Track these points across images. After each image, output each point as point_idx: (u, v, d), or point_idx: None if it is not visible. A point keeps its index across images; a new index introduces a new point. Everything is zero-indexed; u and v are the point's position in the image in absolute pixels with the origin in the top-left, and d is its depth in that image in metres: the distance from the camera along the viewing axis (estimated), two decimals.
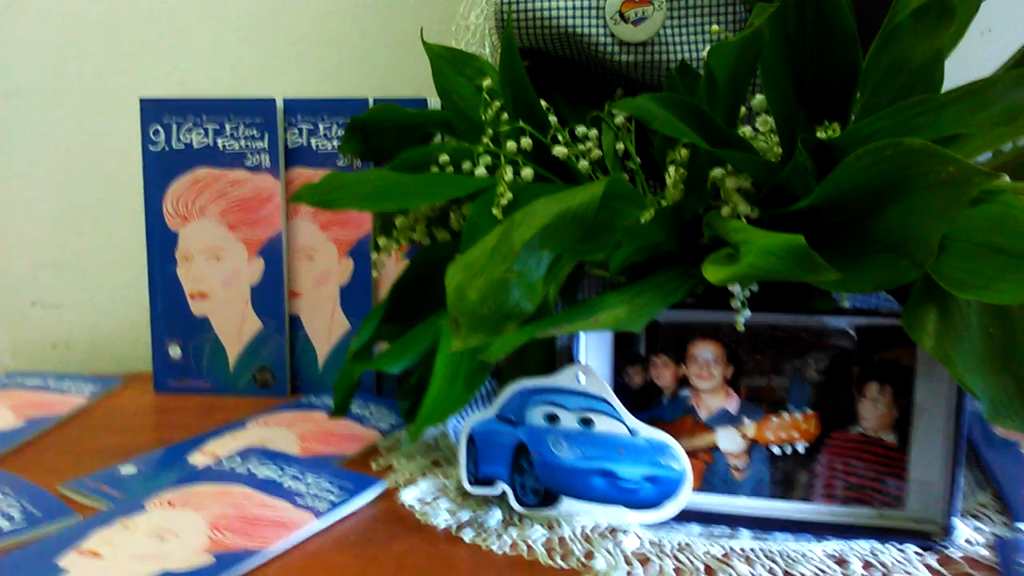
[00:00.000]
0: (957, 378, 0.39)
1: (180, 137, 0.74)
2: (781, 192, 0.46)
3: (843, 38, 0.48)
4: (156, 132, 0.74)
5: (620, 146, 0.62)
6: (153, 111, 0.74)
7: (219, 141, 0.74)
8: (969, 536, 0.50)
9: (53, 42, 0.84)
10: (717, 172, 0.49)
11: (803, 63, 0.50)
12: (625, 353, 0.54)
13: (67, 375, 0.80)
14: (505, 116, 0.61)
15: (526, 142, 0.57)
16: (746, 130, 0.53)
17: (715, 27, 0.58)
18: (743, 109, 0.53)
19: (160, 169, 0.74)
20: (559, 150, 0.57)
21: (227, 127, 0.73)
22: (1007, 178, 0.37)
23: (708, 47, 0.61)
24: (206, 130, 0.74)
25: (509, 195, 0.55)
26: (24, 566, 0.45)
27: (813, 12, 0.48)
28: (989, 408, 0.40)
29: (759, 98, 0.53)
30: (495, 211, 0.55)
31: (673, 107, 0.45)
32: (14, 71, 0.84)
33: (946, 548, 0.48)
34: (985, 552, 0.48)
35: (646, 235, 0.48)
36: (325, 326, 0.76)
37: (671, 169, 0.51)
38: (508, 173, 0.56)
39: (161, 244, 0.75)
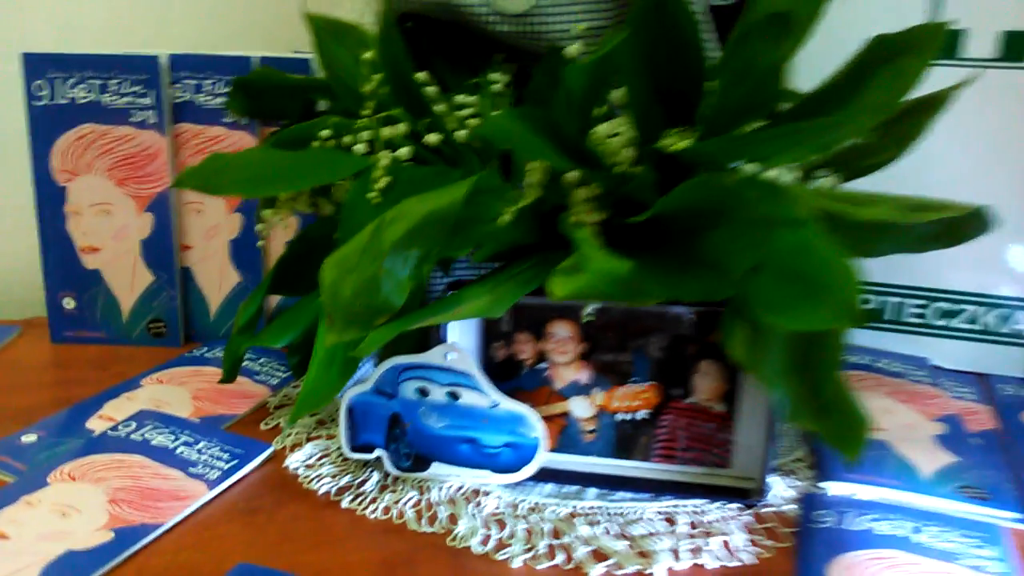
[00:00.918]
0: (762, 383, 0.46)
1: (64, 93, 0.74)
2: (628, 200, 0.51)
3: (689, 49, 0.52)
4: (40, 87, 0.74)
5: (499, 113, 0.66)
6: (37, 66, 0.74)
7: (104, 97, 0.74)
8: (781, 493, 0.58)
9: None
10: (570, 176, 0.53)
11: (660, 65, 0.54)
12: (491, 330, 0.60)
13: None
14: (383, 90, 0.63)
15: (403, 128, 0.60)
16: (603, 127, 0.57)
17: (580, 25, 0.61)
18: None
19: (45, 124, 0.75)
20: (431, 137, 0.60)
21: (111, 83, 0.74)
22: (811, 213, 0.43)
23: (581, 22, 0.65)
24: (90, 86, 0.74)
25: (386, 179, 0.59)
26: None
27: (663, 25, 0.52)
28: (789, 410, 0.46)
29: (619, 92, 0.57)
30: (372, 195, 0.58)
31: (530, 122, 0.49)
32: None
33: (760, 505, 0.56)
34: (793, 507, 0.57)
35: (505, 236, 0.53)
36: (216, 278, 0.79)
37: (529, 170, 0.55)
38: (385, 158, 0.59)
39: (49, 199, 0.76)
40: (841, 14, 0.70)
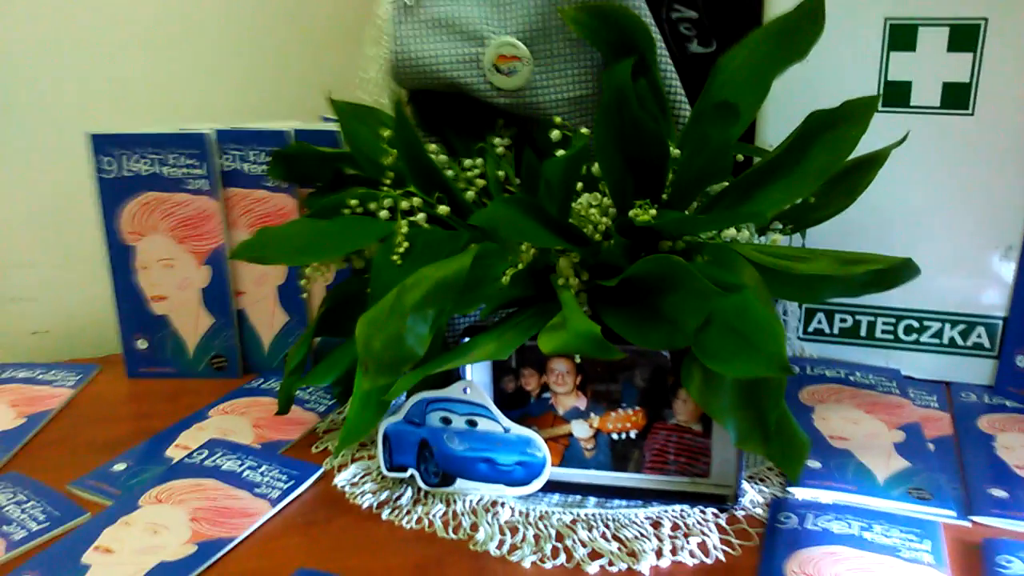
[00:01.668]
0: (713, 417, 0.57)
1: (128, 166, 0.86)
2: (605, 264, 0.62)
3: (650, 135, 0.62)
4: (107, 162, 0.86)
5: (501, 173, 0.76)
6: (102, 144, 0.85)
7: (163, 169, 0.86)
8: (753, 498, 0.68)
9: (9, 79, 0.95)
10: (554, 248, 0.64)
11: (627, 146, 0.64)
12: (501, 367, 0.71)
13: (52, 365, 0.94)
14: (399, 163, 0.74)
15: (417, 201, 0.71)
16: (584, 199, 0.67)
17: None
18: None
19: (112, 193, 0.87)
20: (441, 208, 0.71)
21: (169, 157, 0.86)
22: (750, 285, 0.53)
23: (568, 94, 0.76)
24: (151, 160, 0.86)
25: (405, 244, 0.69)
26: (57, 563, 0.61)
27: (624, 117, 0.62)
28: (736, 437, 0.57)
29: (596, 167, 0.67)
30: (395, 257, 0.69)
31: (520, 208, 0.59)
32: None
33: (734, 509, 0.67)
34: (761, 511, 0.67)
35: (506, 294, 0.64)
36: (267, 318, 0.91)
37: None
38: (404, 226, 0.70)
39: (120, 256, 0.88)
40: (804, 72, 0.81)
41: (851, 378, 0.86)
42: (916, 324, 0.87)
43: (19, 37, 0.95)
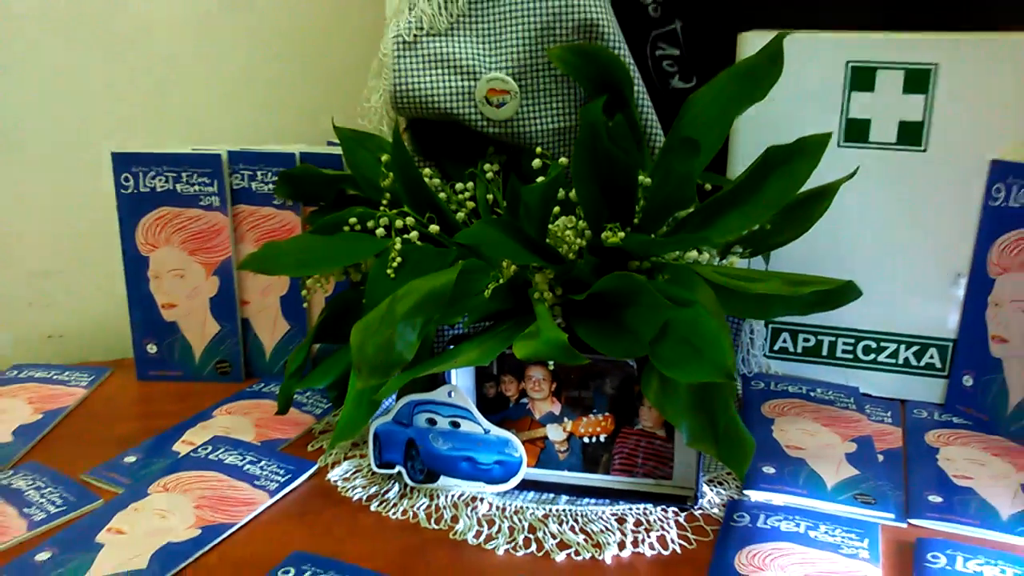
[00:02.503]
0: (669, 419, 0.63)
1: (146, 183, 0.93)
2: (577, 280, 0.68)
3: (619, 166, 0.69)
4: (127, 178, 0.93)
5: (490, 196, 0.83)
6: (122, 161, 0.92)
7: (178, 186, 0.93)
8: (712, 499, 0.74)
9: (37, 97, 1.02)
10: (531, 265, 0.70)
11: (600, 174, 0.71)
12: (484, 373, 0.77)
13: (67, 366, 1.00)
14: (396, 185, 0.80)
15: (410, 220, 0.78)
16: (560, 221, 0.74)
17: (535, 161, 0.78)
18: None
19: (131, 207, 0.93)
20: (432, 227, 0.77)
21: (183, 175, 0.92)
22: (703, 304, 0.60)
23: (552, 125, 0.83)
24: (167, 177, 0.93)
25: (399, 259, 0.76)
26: (73, 542, 0.67)
27: (598, 150, 0.69)
28: (689, 437, 0.63)
29: (573, 193, 0.74)
30: (389, 271, 0.76)
31: (501, 228, 0.66)
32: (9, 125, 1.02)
33: (694, 508, 0.73)
34: (718, 511, 0.73)
35: (488, 306, 0.70)
36: (270, 327, 0.97)
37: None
38: (398, 243, 0.76)
39: (135, 266, 0.95)
40: (773, 109, 0.87)
41: (812, 394, 0.92)
42: (874, 345, 0.93)
43: (47, 61, 1.03)
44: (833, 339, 0.94)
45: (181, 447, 0.82)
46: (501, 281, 0.70)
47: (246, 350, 0.98)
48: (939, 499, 0.74)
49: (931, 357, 0.91)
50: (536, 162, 0.76)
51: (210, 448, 0.81)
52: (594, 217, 0.72)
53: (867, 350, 0.93)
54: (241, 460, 0.79)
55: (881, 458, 0.80)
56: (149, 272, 0.95)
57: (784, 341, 0.96)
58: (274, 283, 0.96)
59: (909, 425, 0.87)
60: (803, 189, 0.73)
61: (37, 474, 0.77)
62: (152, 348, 0.97)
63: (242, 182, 0.94)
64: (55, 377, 0.97)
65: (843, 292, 0.68)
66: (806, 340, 0.95)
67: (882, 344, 0.93)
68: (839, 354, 0.94)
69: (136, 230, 0.94)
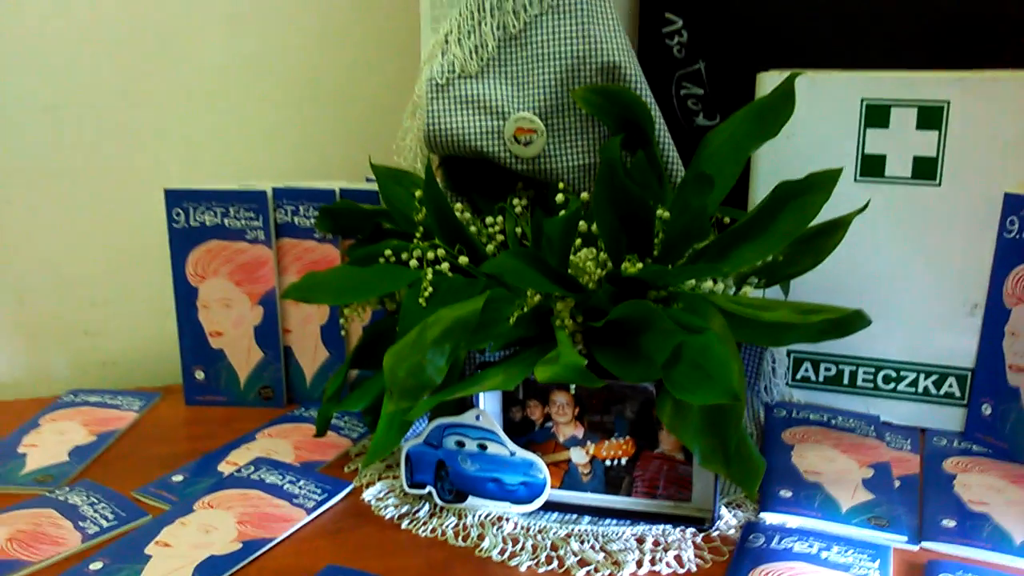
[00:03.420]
0: (682, 441, 0.66)
1: (196, 217, 0.99)
2: (596, 309, 0.72)
3: (636, 200, 0.73)
4: (178, 213, 0.99)
5: (519, 229, 0.87)
6: (174, 198, 0.98)
7: (226, 221, 0.99)
8: (729, 521, 0.77)
9: (95, 137, 1.09)
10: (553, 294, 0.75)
11: (619, 208, 0.75)
12: (510, 398, 0.81)
13: (119, 391, 1.06)
14: (428, 219, 0.85)
15: (441, 252, 0.82)
16: (582, 253, 0.78)
17: (559, 196, 0.82)
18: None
19: (182, 241, 0.99)
20: (462, 259, 0.82)
21: (231, 210, 0.98)
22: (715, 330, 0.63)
23: (579, 159, 0.87)
24: (216, 212, 0.98)
25: (430, 289, 0.80)
26: (124, 553, 0.72)
27: (616, 184, 0.73)
28: (701, 458, 0.66)
29: (594, 225, 0.78)
30: (421, 301, 0.80)
31: (524, 259, 0.70)
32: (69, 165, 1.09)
33: (711, 530, 0.75)
34: (734, 532, 0.76)
35: (513, 333, 0.74)
36: (311, 354, 1.02)
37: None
38: (429, 274, 0.81)
39: (185, 296, 1.01)
40: (792, 145, 0.91)
41: (832, 422, 0.94)
42: (894, 374, 0.95)
43: (108, 104, 1.10)
44: (854, 368, 0.97)
45: (225, 467, 0.87)
46: (525, 310, 0.74)
47: (288, 376, 1.03)
48: (952, 523, 0.75)
49: (950, 386, 0.93)
50: (559, 197, 0.81)
51: (252, 468, 0.85)
52: (614, 248, 0.76)
53: (887, 379, 0.95)
54: (281, 480, 0.83)
55: (898, 484, 0.82)
56: (198, 302, 1.01)
57: (806, 370, 0.98)
58: (314, 313, 1.01)
59: (928, 452, 0.89)
60: (818, 222, 0.76)
61: (91, 491, 0.82)
62: (200, 374, 1.03)
63: (286, 217, 0.99)
64: (108, 401, 1.03)
65: (852, 320, 0.71)
66: (827, 369, 0.98)
67: (902, 373, 0.95)
68: (860, 383, 0.97)
69: (186, 262, 1.00)
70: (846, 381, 0.97)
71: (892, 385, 0.95)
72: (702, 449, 0.66)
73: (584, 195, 0.80)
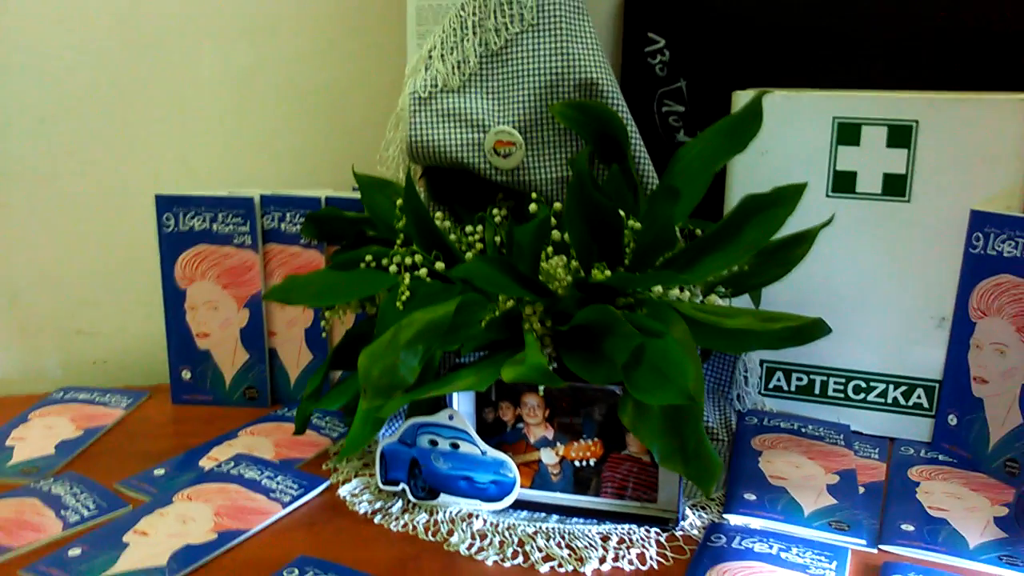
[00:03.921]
0: (642, 441, 0.68)
1: (185, 222, 1.01)
2: (563, 313, 0.75)
3: (604, 211, 0.75)
4: (168, 218, 1.01)
5: (498, 238, 0.90)
6: (165, 203, 1.01)
7: (214, 226, 1.01)
8: (694, 522, 0.79)
9: (90, 143, 1.12)
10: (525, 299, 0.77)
11: (590, 218, 0.77)
12: (483, 399, 0.83)
13: (108, 389, 1.08)
14: (409, 227, 0.88)
15: (419, 258, 0.85)
16: (552, 261, 0.80)
17: (532, 206, 0.85)
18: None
19: (171, 244, 1.02)
20: (438, 264, 0.84)
21: (220, 216, 1.01)
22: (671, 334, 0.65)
23: (554, 175, 0.89)
24: (205, 217, 1.01)
25: (407, 293, 0.83)
26: (102, 541, 0.74)
27: (585, 195, 0.76)
28: (660, 457, 0.68)
29: (566, 235, 0.81)
30: (398, 304, 0.83)
31: (494, 264, 0.73)
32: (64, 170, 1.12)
33: (675, 530, 0.78)
34: (698, 532, 0.78)
35: (484, 336, 0.76)
36: (295, 356, 1.05)
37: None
38: (407, 279, 0.83)
39: (173, 298, 1.03)
40: (766, 161, 0.94)
41: (803, 430, 0.96)
42: (864, 384, 0.97)
43: (99, 111, 1.13)
44: (825, 378, 0.99)
45: (206, 462, 0.89)
46: (497, 314, 0.77)
47: (272, 378, 1.06)
48: (911, 527, 0.77)
49: (919, 397, 0.95)
50: (533, 207, 0.83)
51: (232, 464, 0.88)
52: (585, 257, 0.78)
53: (857, 389, 0.98)
54: (260, 475, 0.85)
55: (862, 490, 0.84)
56: (186, 304, 1.04)
57: (778, 380, 1.01)
58: (299, 316, 1.04)
59: (894, 461, 0.91)
60: (788, 235, 0.79)
61: (75, 482, 0.84)
62: (187, 374, 1.05)
63: (273, 223, 1.02)
64: (97, 399, 1.06)
65: (812, 328, 0.73)
66: (799, 379, 1.00)
67: (872, 384, 0.97)
68: (831, 393, 0.99)
69: (175, 265, 1.03)
70: (817, 391, 0.99)
71: (862, 396, 0.98)
72: (661, 449, 0.68)
73: (557, 205, 0.82)
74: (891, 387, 0.96)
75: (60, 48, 1.09)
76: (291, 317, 1.04)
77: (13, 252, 1.13)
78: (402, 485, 0.82)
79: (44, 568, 0.70)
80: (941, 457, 0.92)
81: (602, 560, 0.73)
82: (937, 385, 0.94)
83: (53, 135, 1.11)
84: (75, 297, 1.15)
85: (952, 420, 0.93)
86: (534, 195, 0.86)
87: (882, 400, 0.97)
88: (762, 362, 1.01)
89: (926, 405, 0.95)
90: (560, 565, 0.73)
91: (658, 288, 0.77)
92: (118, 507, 0.80)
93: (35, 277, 1.14)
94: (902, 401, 0.96)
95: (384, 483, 0.82)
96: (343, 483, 0.86)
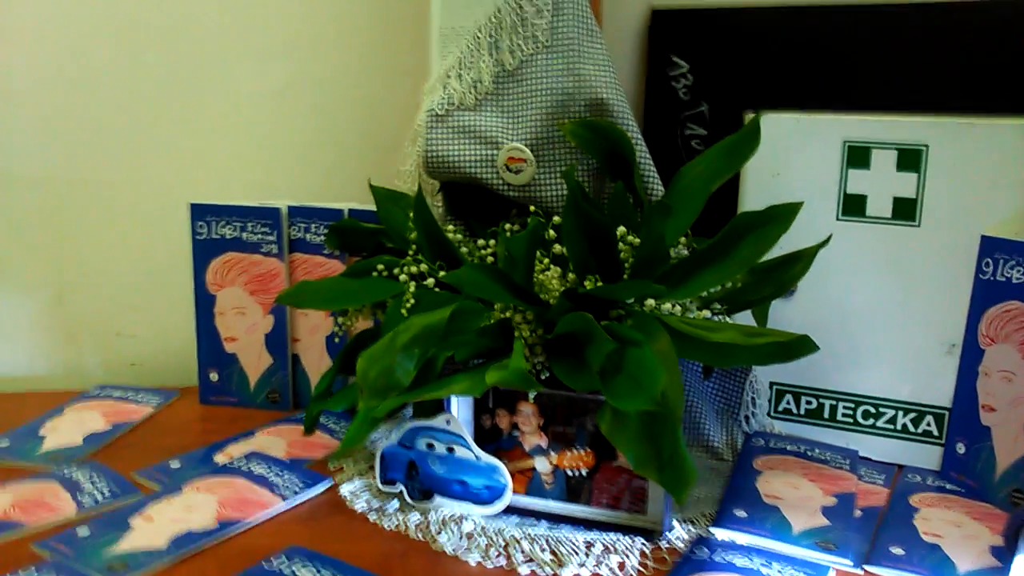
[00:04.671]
0: (618, 447, 0.70)
1: (217, 230, 1.07)
2: (552, 322, 0.77)
3: (597, 224, 0.77)
4: (201, 226, 1.07)
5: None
6: (199, 212, 1.07)
7: (243, 234, 1.06)
8: (681, 535, 0.80)
9: (129, 155, 1.20)
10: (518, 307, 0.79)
11: (585, 230, 0.79)
12: (481, 406, 0.85)
13: (141, 388, 1.14)
14: (420, 239, 0.91)
15: (425, 268, 0.88)
16: (548, 273, 0.83)
17: (531, 219, 0.87)
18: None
19: (203, 252, 1.07)
20: (443, 274, 0.87)
21: (249, 225, 1.06)
22: (649, 344, 0.67)
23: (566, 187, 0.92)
24: (235, 227, 1.06)
25: (412, 300, 0.86)
26: (110, 523, 0.79)
27: (581, 212, 0.78)
28: (635, 464, 0.70)
29: (563, 248, 0.83)
30: (403, 311, 0.86)
31: (486, 273, 0.75)
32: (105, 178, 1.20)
33: (660, 541, 0.78)
34: (683, 545, 0.78)
35: (479, 343, 0.79)
36: (316, 361, 1.09)
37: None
38: (412, 286, 0.87)
39: (204, 303, 1.08)
40: (778, 183, 0.95)
41: (809, 453, 0.96)
42: (873, 410, 0.97)
43: (144, 123, 1.19)
44: (834, 403, 0.98)
45: (221, 458, 0.93)
46: (492, 321, 0.79)
47: (294, 382, 1.10)
48: (901, 551, 0.77)
49: (928, 424, 0.94)
50: (531, 220, 0.86)
51: (244, 460, 0.92)
52: (582, 270, 0.81)
53: (866, 415, 0.97)
54: (268, 471, 0.89)
55: (859, 514, 0.84)
56: (215, 309, 1.09)
57: (787, 402, 1.01)
58: (321, 324, 1.08)
59: (898, 488, 0.90)
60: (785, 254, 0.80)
61: (95, 471, 0.89)
62: (214, 376, 1.10)
63: (299, 233, 1.07)
64: (129, 397, 1.11)
65: (799, 345, 0.74)
66: (808, 403, 1.00)
67: (881, 410, 0.96)
68: (839, 417, 0.98)
69: (206, 272, 1.08)
70: (826, 415, 0.99)
71: (871, 421, 0.97)
72: (636, 455, 0.69)
73: (556, 219, 0.85)
74: (900, 413, 0.96)
75: (107, 65, 1.16)
76: (314, 324, 1.08)
77: (63, 257, 1.20)
78: (399, 486, 0.84)
79: (54, 544, 0.75)
80: (948, 486, 0.91)
81: (581, 565, 0.74)
82: (947, 413, 0.93)
83: (103, 147, 1.18)
84: (117, 301, 1.21)
85: (960, 448, 0.91)
86: (532, 208, 0.89)
87: (891, 426, 0.96)
88: (772, 384, 1.01)
89: (935, 433, 0.94)
90: (540, 567, 0.74)
91: (651, 302, 0.78)
92: (130, 494, 0.85)
93: (80, 281, 1.20)
94: (911, 428, 0.95)
95: (383, 483, 0.85)
96: (345, 482, 0.89)
